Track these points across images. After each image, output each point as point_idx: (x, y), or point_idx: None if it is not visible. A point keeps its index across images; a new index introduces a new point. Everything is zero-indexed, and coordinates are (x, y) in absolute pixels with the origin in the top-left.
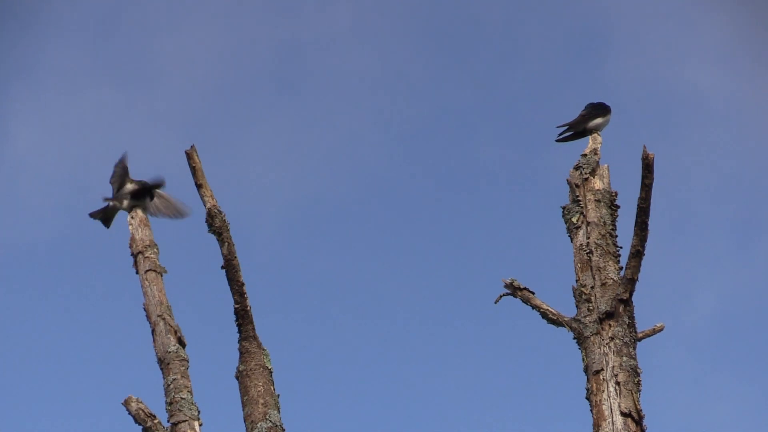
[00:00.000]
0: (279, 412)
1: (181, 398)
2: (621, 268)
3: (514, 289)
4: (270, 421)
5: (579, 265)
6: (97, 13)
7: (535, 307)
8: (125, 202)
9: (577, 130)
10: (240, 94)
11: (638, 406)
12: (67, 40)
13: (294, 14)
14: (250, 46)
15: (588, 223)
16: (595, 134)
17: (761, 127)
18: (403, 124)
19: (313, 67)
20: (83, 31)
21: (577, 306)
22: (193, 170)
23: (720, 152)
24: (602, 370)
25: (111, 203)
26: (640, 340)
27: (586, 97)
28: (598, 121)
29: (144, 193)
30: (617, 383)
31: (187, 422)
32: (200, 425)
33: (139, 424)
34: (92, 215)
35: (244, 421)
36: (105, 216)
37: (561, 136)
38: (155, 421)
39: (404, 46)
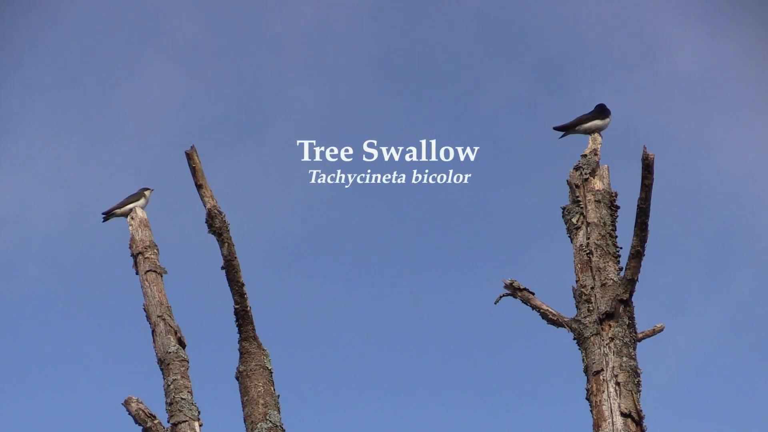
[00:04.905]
0: (279, 412)
1: (181, 399)
2: (621, 269)
3: (514, 290)
4: (270, 421)
5: (579, 265)
6: (60, 62)
7: (535, 307)
8: None
9: (577, 132)
10: (200, 136)
11: (638, 407)
12: (33, 92)
13: (250, 53)
14: (209, 88)
15: (588, 224)
16: (596, 135)
17: (726, 159)
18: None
19: (270, 104)
20: (47, 82)
21: (577, 306)
22: (193, 171)
23: (690, 185)
24: (602, 370)
25: None
26: (640, 340)
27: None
28: (597, 122)
29: None
30: (617, 384)
31: (187, 422)
32: (200, 425)
33: (140, 424)
34: None
35: (244, 421)
36: None
37: (559, 126)
38: (155, 422)
39: (360, 77)
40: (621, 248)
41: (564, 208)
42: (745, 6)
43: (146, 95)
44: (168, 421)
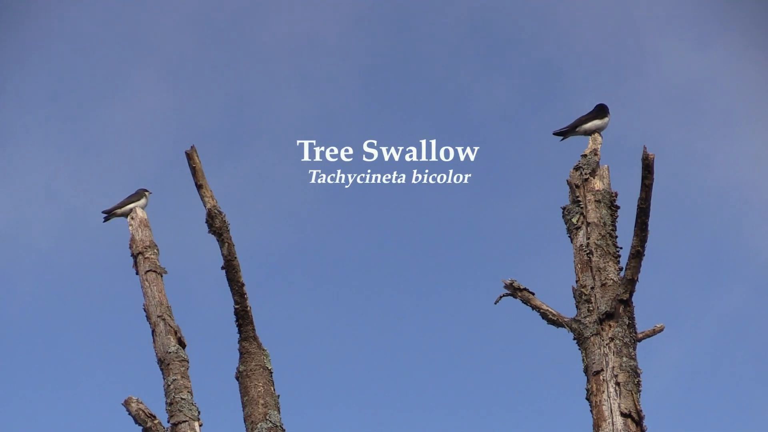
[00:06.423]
0: (279, 412)
1: (181, 399)
2: (621, 269)
3: (514, 290)
4: (270, 421)
5: (579, 265)
6: (50, 77)
7: (535, 307)
8: None
9: (577, 134)
10: (199, 137)
11: (638, 407)
12: (23, 108)
13: (249, 55)
14: (205, 92)
15: (588, 224)
16: (596, 135)
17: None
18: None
19: (270, 105)
20: (37, 98)
21: (577, 306)
22: (193, 171)
23: (679, 197)
24: (602, 370)
25: None
26: (640, 340)
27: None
28: (597, 122)
29: None
30: (617, 384)
31: (187, 422)
32: (200, 425)
33: (140, 424)
34: None
35: (245, 421)
36: None
37: (559, 130)
38: (155, 422)
39: (360, 78)
40: (621, 248)
41: (564, 208)
42: (733, 17)
43: (140, 105)
44: (168, 421)
